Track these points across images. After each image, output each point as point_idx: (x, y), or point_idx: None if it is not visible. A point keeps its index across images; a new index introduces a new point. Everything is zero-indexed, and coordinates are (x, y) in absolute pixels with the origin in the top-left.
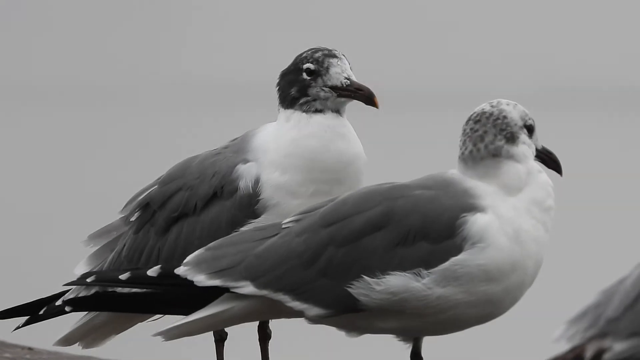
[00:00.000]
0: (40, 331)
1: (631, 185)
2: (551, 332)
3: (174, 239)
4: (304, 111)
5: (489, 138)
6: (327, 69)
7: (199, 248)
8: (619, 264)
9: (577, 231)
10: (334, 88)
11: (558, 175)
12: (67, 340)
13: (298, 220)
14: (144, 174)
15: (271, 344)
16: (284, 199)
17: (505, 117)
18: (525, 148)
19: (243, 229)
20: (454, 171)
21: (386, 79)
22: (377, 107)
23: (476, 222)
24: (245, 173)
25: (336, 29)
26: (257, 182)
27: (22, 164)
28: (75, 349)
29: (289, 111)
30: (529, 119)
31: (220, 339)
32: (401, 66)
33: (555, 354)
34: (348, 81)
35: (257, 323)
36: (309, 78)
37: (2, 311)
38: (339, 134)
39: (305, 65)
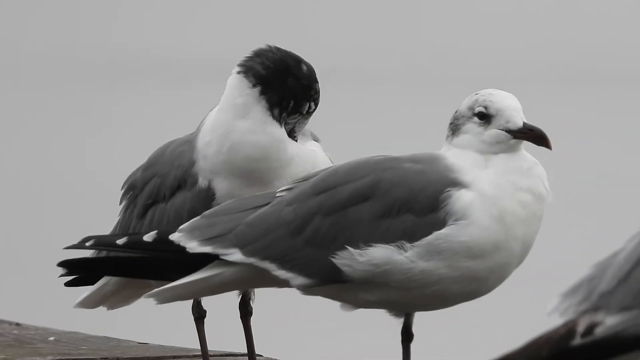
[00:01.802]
0: (28, 307)
1: (626, 162)
2: (545, 305)
3: (149, 224)
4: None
5: (448, 128)
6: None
7: None
8: (614, 237)
9: (572, 205)
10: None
11: (548, 149)
12: (85, 304)
13: (290, 189)
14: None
15: (253, 320)
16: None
17: (456, 111)
18: (467, 137)
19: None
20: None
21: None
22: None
23: (460, 198)
24: (202, 172)
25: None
26: (210, 184)
27: None
28: (64, 325)
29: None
30: (479, 106)
31: (199, 317)
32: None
33: (548, 328)
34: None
35: (238, 300)
36: (309, 110)
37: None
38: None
39: (313, 104)
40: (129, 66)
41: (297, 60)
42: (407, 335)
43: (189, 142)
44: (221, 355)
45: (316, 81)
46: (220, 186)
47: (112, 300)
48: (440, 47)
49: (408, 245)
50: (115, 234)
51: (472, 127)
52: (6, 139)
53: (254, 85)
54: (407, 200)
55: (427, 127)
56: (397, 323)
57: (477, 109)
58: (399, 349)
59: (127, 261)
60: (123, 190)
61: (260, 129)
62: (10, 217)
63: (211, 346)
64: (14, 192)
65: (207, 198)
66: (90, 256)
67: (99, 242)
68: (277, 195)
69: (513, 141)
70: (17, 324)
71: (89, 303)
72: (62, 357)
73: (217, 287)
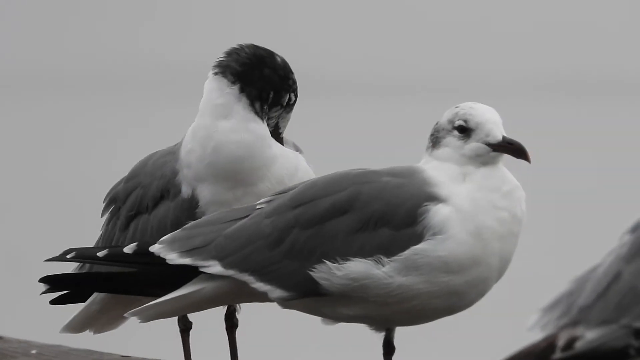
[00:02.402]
0: (10, 319)
1: (606, 177)
2: (525, 320)
3: (132, 236)
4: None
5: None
6: (290, 110)
7: None
8: (592, 252)
9: (550, 219)
10: (276, 128)
11: (527, 162)
12: (72, 328)
13: (270, 202)
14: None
15: (238, 333)
16: (218, 209)
17: (437, 123)
18: (448, 150)
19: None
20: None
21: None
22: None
23: (438, 212)
24: (185, 181)
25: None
26: (194, 192)
27: None
28: (46, 338)
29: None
30: (459, 119)
31: (185, 329)
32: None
33: (529, 342)
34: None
35: (224, 312)
36: (288, 102)
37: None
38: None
39: (293, 95)
40: (124, 76)
41: (270, 53)
42: (388, 349)
43: (172, 153)
44: None
45: (291, 72)
46: (205, 192)
47: (98, 322)
48: (426, 58)
49: (385, 259)
50: (96, 247)
51: (452, 140)
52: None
53: (233, 83)
54: (385, 214)
55: (409, 137)
56: (379, 336)
57: (457, 123)
58: None
59: (110, 276)
60: (105, 203)
61: (243, 127)
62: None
63: (195, 359)
64: (34, 206)
65: (190, 208)
66: (73, 271)
67: (80, 255)
68: (257, 207)
69: (493, 154)
70: (0, 338)
71: (74, 327)
72: None
73: (199, 304)
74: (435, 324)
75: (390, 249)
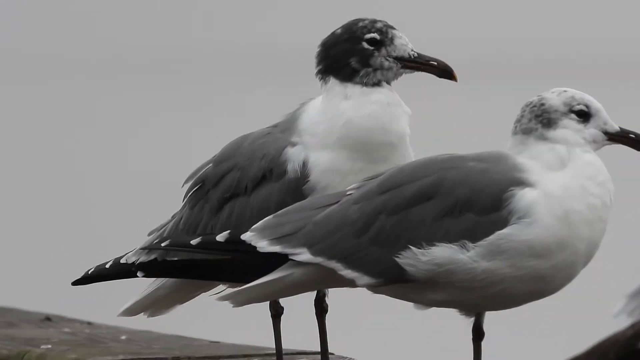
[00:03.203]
0: (99, 305)
1: None
2: (611, 307)
3: (226, 218)
4: (364, 84)
5: (524, 121)
6: (392, 39)
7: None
8: None
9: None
10: (399, 59)
11: None
12: (131, 311)
13: (359, 187)
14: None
15: (328, 318)
16: (332, 181)
17: (542, 104)
18: (567, 132)
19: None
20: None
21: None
22: (455, 80)
23: (524, 196)
24: (294, 156)
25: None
26: (305, 165)
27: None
28: (135, 323)
29: (348, 85)
30: (578, 104)
31: (276, 314)
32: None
33: (615, 330)
34: (415, 53)
35: (313, 297)
36: (371, 48)
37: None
38: (394, 113)
39: (368, 35)
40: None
41: (330, 34)
42: (478, 334)
43: (271, 134)
44: (292, 354)
45: (354, 23)
46: (323, 159)
47: (157, 306)
48: (511, 40)
49: (470, 244)
50: (189, 235)
51: (571, 123)
52: (60, 139)
53: (325, 80)
54: (469, 199)
55: (492, 122)
56: (468, 321)
57: (578, 107)
58: (470, 348)
59: (203, 262)
60: (190, 185)
61: (366, 100)
62: (81, 219)
63: (285, 344)
64: (80, 192)
65: (297, 188)
66: (166, 258)
67: (174, 243)
68: (348, 193)
69: (606, 142)
70: (89, 323)
71: (135, 310)
72: (133, 356)
73: (288, 289)
74: (521, 309)
75: (475, 234)
